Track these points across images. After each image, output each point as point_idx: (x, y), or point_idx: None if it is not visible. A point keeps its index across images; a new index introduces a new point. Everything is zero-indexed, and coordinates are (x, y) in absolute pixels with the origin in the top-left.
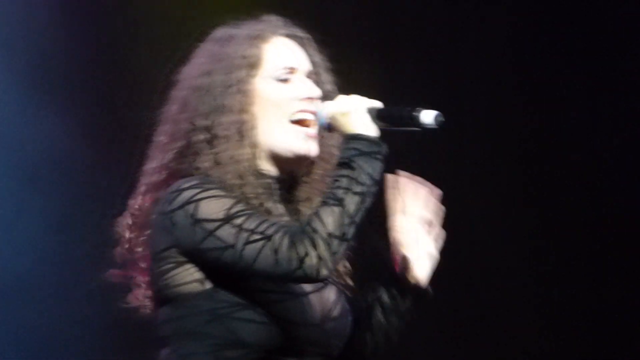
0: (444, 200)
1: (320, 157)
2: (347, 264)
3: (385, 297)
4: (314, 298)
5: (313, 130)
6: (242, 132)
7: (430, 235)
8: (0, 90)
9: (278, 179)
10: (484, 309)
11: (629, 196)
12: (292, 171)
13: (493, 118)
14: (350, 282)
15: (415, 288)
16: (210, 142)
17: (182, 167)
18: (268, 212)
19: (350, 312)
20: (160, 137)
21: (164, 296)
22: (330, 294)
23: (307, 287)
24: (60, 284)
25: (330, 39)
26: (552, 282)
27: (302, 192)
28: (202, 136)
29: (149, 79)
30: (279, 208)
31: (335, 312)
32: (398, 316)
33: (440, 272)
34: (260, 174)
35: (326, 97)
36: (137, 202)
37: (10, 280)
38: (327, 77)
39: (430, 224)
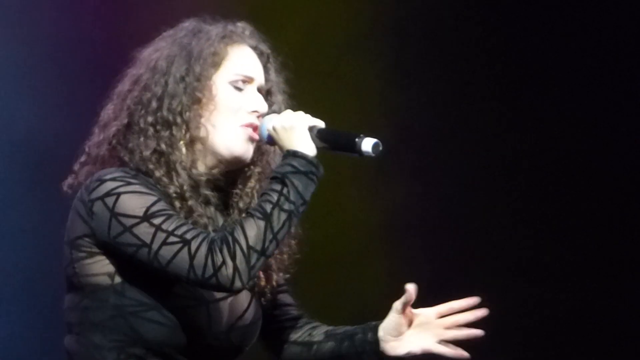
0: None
1: (258, 166)
2: (271, 275)
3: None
4: (223, 305)
5: (256, 135)
6: (187, 121)
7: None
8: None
9: (208, 180)
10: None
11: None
12: (225, 174)
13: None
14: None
15: None
16: (154, 125)
17: (121, 143)
18: (190, 211)
19: (260, 320)
20: (107, 112)
21: (72, 283)
22: (243, 299)
23: (220, 293)
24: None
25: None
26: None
27: (234, 199)
28: (147, 117)
29: None
30: (203, 210)
31: (247, 318)
32: None
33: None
34: (191, 174)
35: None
36: (75, 172)
37: (10, 280)
38: (278, 98)
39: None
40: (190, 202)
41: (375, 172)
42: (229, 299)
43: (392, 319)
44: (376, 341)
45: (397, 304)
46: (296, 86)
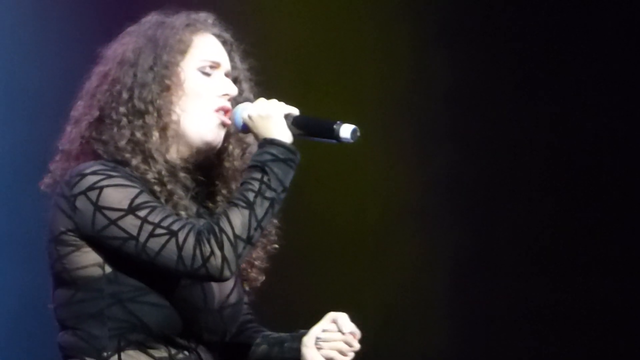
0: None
1: (232, 154)
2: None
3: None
4: (214, 284)
5: (227, 120)
6: (158, 109)
7: None
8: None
9: (186, 169)
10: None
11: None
12: (199, 163)
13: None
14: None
15: None
16: (126, 115)
17: (94, 138)
18: (170, 194)
19: (243, 300)
20: (77, 110)
21: (62, 279)
22: (229, 281)
23: None
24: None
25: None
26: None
27: (209, 188)
28: (119, 108)
29: None
30: (186, 200)
31: (232, 298)
32: None
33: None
34: (167, 161)
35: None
36: (51, 170)
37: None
38: (245, 86)
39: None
40: (169, 187)
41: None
42: None
43: (319, 328)
44: (298, 349)
45: (334, 320)
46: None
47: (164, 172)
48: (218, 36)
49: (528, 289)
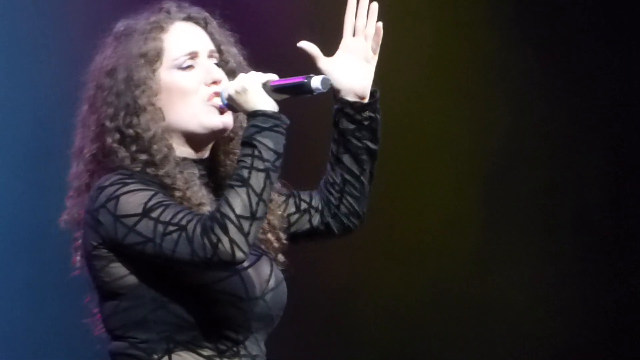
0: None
1: (236, 134)
2: (279, 235)
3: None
4: (251, 272)
5: (221, 103)
6: (151, 127)
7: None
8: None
9: (199, 161)
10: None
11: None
12: (213, 151)
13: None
14: (280, 250)
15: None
16: (122, 142)
17: (101, 166)
18: (189, 198)
19: (284, 281)
20: (77, 141)
21: (105, 291)
22: (265, 266)
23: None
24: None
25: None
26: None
27: (226, 171)
28: (114, 136)
29: None
30: (202, 192)
31: (272, 283)
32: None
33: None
34: (179, 162)
35: (232, 72)
36: (68, 207)
37: (10, 277)
38: (231, 52)
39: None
40: (183, 184)
41: None
42: (253, 267)
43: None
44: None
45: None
46: None
47: (176, 171)
48: (187, 19)
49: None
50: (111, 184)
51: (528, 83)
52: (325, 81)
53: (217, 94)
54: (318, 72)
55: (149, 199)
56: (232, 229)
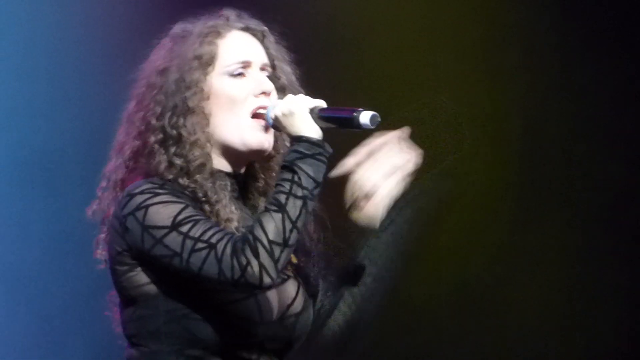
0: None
1: (277, 152)
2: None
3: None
4: (271, 295)
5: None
6: (196, 131)
7: (395, 178)
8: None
9: (233, 175)
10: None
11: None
12: (249, 166)
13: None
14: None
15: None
16: (163, 142)
17: (138, 165)
18: (218, 214)
19: (312, 304)
20: (120, 136)
21: (125, 297)
22: (291, 287)
23: None
24: (67, 278)
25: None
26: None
27: (260, 187)
28: (156, 137)
29: None
30: (232, 207)
31: (297, 306)
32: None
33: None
34: (213, 174)
35: (283, 89)
36: (99, 198)
37: (16, 274)
38: (285, 70)
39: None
40: (215, 198)
41: None
42: (276, 289)
43: None
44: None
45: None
46: None
47: (208, 183)
48: (245, 30)
49: None
50: (141, 193)
51: (550, 84)
52: (374, 118)
53: (264, 107)
54: None
55: (179, 213)
56: (262, 254)
